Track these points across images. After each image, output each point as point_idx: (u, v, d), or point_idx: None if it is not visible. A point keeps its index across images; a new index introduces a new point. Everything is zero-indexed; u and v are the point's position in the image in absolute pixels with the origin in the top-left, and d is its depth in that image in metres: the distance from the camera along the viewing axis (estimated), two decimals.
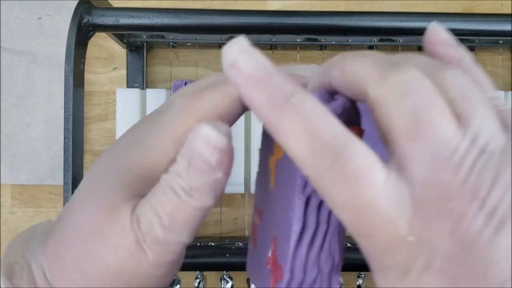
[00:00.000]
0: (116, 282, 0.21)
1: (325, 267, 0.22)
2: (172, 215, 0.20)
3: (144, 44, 0.52)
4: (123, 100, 0.48)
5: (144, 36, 0.49)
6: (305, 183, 0.21)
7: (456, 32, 0.43)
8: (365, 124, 0.21)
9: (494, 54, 0.53)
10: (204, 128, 0.20)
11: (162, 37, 0.49)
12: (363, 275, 0.47)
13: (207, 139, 0.20)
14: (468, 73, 0.19)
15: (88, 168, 0.51)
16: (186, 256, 0.44)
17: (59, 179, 0.52)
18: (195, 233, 0.22)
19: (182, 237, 0.21)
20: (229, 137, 0.21)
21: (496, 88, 0.52)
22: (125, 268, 0.21)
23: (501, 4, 0.53)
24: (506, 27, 0.42)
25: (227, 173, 0.21)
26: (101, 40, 0.53)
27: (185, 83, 0.44)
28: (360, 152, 0.18)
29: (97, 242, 0.21)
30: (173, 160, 0.21)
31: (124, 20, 0.42)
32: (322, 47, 0.51)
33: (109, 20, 0.42)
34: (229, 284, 0.46)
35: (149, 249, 0.20)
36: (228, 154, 0.20)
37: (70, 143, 0.40)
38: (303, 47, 0.51)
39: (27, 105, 0.53)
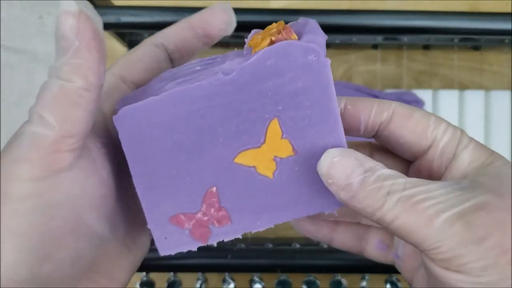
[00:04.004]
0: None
1: None
2: (50, 104, 0.22)
3: None
4: None
5: (145, 34, 0.48)
6: None
7: (461, 31, 0.43)
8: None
9: (500, 53, 0.52)
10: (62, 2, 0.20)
11: None
12: (366, 277, 0.47)
13: (61, 9, 0.20)
14: None
15: None
16: (188, 257, 0.44)
17: None
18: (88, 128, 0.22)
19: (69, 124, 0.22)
20: (89, 7, 0.20)
21: (502, 88, 0.51)
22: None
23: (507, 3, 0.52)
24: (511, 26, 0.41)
25: (89, 45, 0.20)
26: None
27: None
28: None
29: None
30: None
31: (126, 19, 0.41)
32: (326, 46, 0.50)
33: (110, 18, 0.41)
34: (231, 285, 0.46)
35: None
36: (84, 22, 0.20)
37: None
38: None
39: (28, 104, 0.52)
